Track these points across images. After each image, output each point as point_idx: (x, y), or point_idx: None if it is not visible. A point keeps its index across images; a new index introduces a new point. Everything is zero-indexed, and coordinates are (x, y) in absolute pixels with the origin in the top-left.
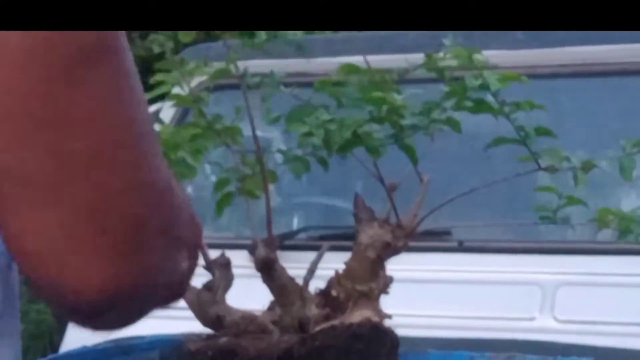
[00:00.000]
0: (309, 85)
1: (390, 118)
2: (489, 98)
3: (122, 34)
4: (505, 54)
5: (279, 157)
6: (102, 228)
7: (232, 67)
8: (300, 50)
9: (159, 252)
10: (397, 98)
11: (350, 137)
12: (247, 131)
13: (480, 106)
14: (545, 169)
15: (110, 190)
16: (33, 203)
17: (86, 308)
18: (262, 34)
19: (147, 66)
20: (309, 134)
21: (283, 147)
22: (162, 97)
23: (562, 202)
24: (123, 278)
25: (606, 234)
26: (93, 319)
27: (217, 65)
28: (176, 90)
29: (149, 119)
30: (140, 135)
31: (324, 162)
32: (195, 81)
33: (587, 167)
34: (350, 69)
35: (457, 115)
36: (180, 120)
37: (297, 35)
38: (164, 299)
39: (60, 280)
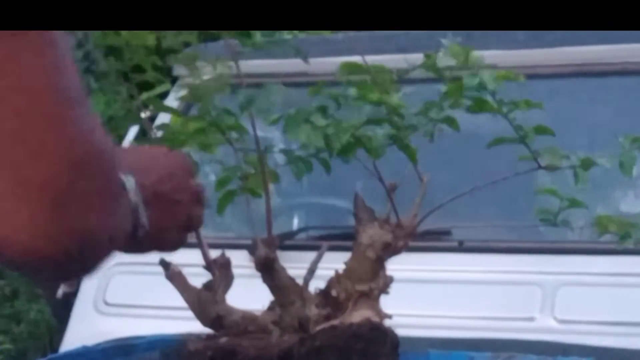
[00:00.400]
0: (308, 85)
1: (389, 118)
2: (487, 97)
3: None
4: (505, 54)
5: (280, 157)
6: (30, 191)
7: (229, 68)
8: (300, 55)
9: (93, 211)
10: (395, 99)
11: (349, 141)
12: (249, 130)
13: (478, 105)
14: (545, 168)
15: (38, 152)
16: None
17: (24, 263)
18: (258, 35)
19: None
20: (309, 143)
21: (283, 147)
22: (163, 96)
23: (564, 204)
24: (54, 237)
25: (606, 235)
26: (38, 272)
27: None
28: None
29: (78, 87)
30: (67, 101)
31: (326, 164)
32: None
33: (586, 164)
34: (351, 68)
35: (455, 114)
36: (184, 112)
37: (294, 35)
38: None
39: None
